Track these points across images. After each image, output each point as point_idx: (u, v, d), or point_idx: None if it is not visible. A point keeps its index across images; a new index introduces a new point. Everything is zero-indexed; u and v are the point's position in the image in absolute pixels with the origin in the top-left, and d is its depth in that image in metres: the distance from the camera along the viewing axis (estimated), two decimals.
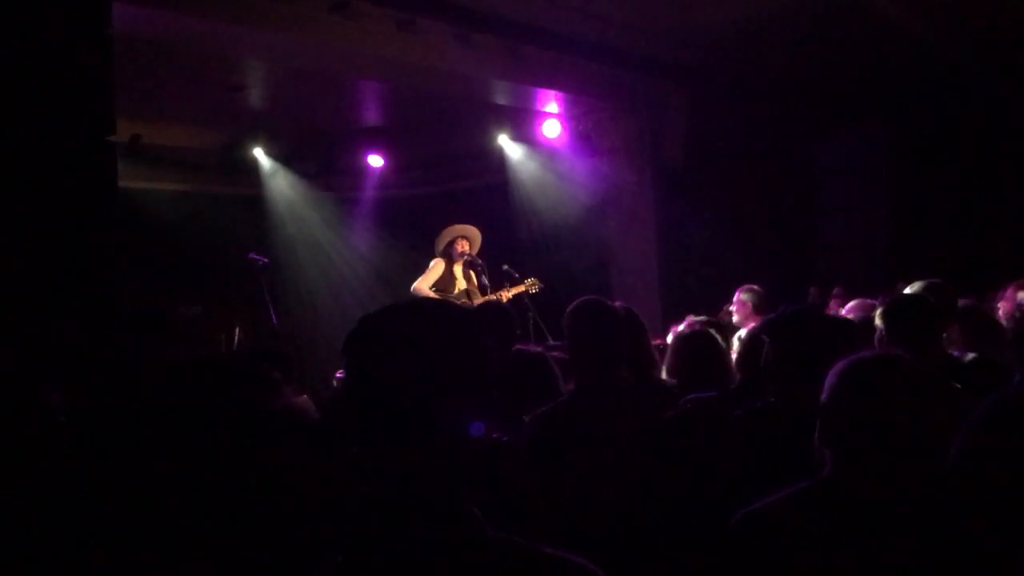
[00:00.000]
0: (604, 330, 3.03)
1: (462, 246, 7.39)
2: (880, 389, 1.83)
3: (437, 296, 7.22)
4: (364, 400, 1.22)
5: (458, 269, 7.45)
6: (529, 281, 7.51)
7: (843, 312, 5.20)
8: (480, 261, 7.39)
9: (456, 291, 7.40)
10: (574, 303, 3.14)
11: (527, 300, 7.20)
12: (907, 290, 4.37)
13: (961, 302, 4.25)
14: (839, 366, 1.92)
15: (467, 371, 1.22)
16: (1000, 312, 5.36)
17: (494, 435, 2.63)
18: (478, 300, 7.26)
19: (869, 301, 5.16)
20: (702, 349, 3.91)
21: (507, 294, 7.34)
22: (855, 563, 1.74)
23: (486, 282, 7.35)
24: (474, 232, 7.49)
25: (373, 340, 1.24)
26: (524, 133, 9.99)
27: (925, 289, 4.22)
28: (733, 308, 6.37)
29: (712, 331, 4.10)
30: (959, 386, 3.23)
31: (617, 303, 3.83)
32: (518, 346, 3.84)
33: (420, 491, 1.19)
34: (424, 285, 7.31)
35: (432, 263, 7.47)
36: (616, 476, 2.75)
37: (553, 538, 1.25)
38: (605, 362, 3.00)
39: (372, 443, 1.21)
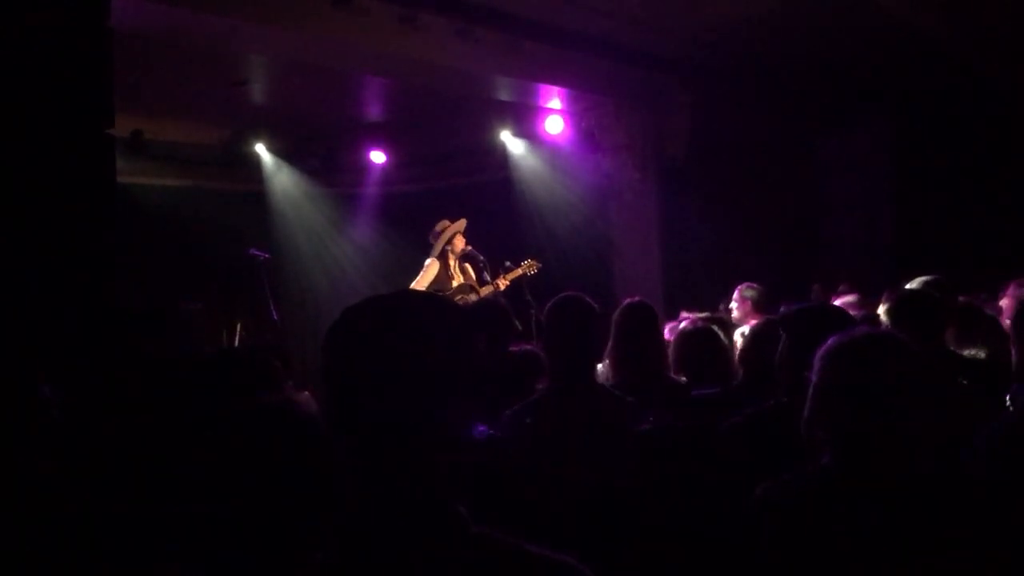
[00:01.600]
0: (581, 329, 2.94)
1: (460, 242, 7.36)
2: (878, 367, 1.79)
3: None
4: (344, 395, 1.19)
5: (453, 265, 7.40)
6: (526, 263, 7.45)
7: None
8: (482, 257, 7.36)
9: (455, 287, 7.37)
10: (554, 299, 3.07)
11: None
12: (906, 286, 4.35)
13: (959, 299, 4.23)
14: (828, 346, 1.87)
15: (454, 365, 1.19)
16: (1004, 310, 5.32)
17: (485, 430, 2.60)
18: (481, 293, 7.23)
19: (857, 297, 5.16)
20: (704, 345, 3.88)
21: (505, 280, 7.30)
22: (864, 551, 1.72)
23: (487, 277, 7.31)
24: (463, 224, 7.45)
25: (354, 332, 1.21)
26: (527, 129, 9.97)
27: (926, 285, 4.20)
28: (733, 305, 6.35)
29: (714, 327, 4.07)
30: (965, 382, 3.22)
31: (637, 298, 3.79)
32: (512, 346, 3.80)
33: (401, 488, 1.16)
34: (419, 288, 7.26)
35: (427, 263, 7.39)
36: (582, 476, 2.71)
37: (534, 536, 1.23)
38: (580, 360, 2.93)
39: (353, 440, 1.18)
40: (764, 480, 1.97)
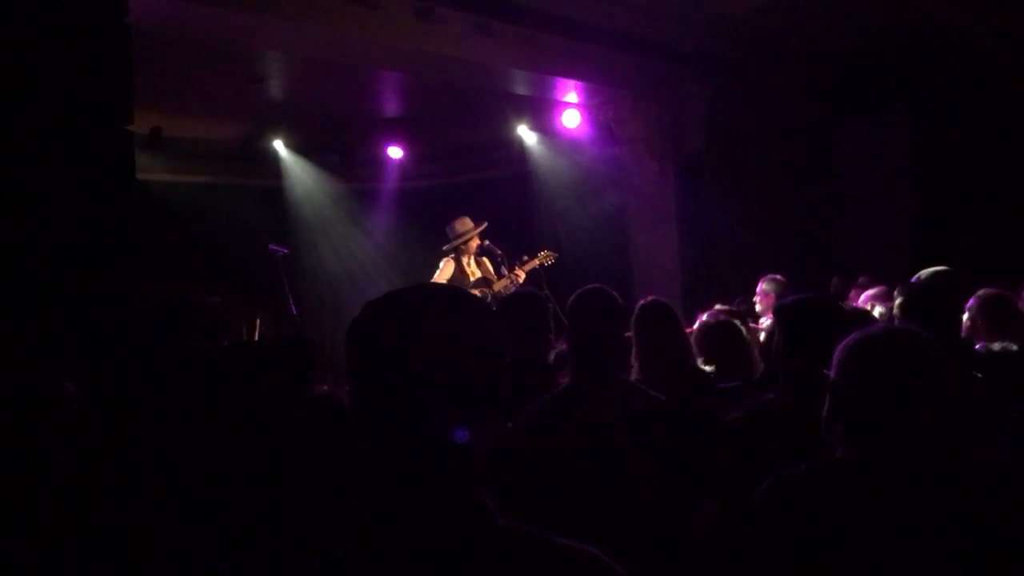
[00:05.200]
0: (605, 321, 2.91)
1: (475, 243, 7.37)
2: (891, 362, 1.81)
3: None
4: (369, 389, 1.19)
5: (469, 262, 7.41)
6: (543, 254, 7.45)
7: (860, 301, 5.14)
8: (499, 251, 7.36)
9: (472, 283, 7.38)
10: (577, 292, 3.04)
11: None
12: (914, 279, 4.31)
13: (985, 290, 4.18)
14: (848, 341, 1.90)
15: (477, 356, 1.19)
16: None
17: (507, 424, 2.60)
18: (497, 286, 7.25)
19: (883, 289, 5.11)
20: (726, 339, 3.87)
21: (521, 272, 7.30)
22: (874, 542, 1.73)
23: (504, 271, 7.32)
24: (481, 225, 7.46)
25: (375, 328, 1.21)
26: (544, 123, 9.95)
27: (935, 276, 4.16)
28: (756, 299, 6.31)
29: (736, 321, 4.06)
30: (979, 375, 3.19)
31: (651, 298, 3.78)
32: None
33: (428, 479, 1.17)
34: None
35: (442, 263, 7.42)
36: (605, 472, 2.70)
37: (556, 530, 1.23)
38: (604, 354, 2.90)
39: (379, 432, 1.18)
40: (764, 472, 1.97)
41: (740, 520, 2.00)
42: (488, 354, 1.20)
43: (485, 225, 7.41)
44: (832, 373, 1.90)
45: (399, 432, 1.17)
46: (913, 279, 4.24)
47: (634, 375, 3.55)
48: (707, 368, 3.81)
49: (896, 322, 3.58)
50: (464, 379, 1.17)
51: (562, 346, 3.91)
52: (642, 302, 3.71)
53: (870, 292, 5.11)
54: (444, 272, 7.36)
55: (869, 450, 1.79)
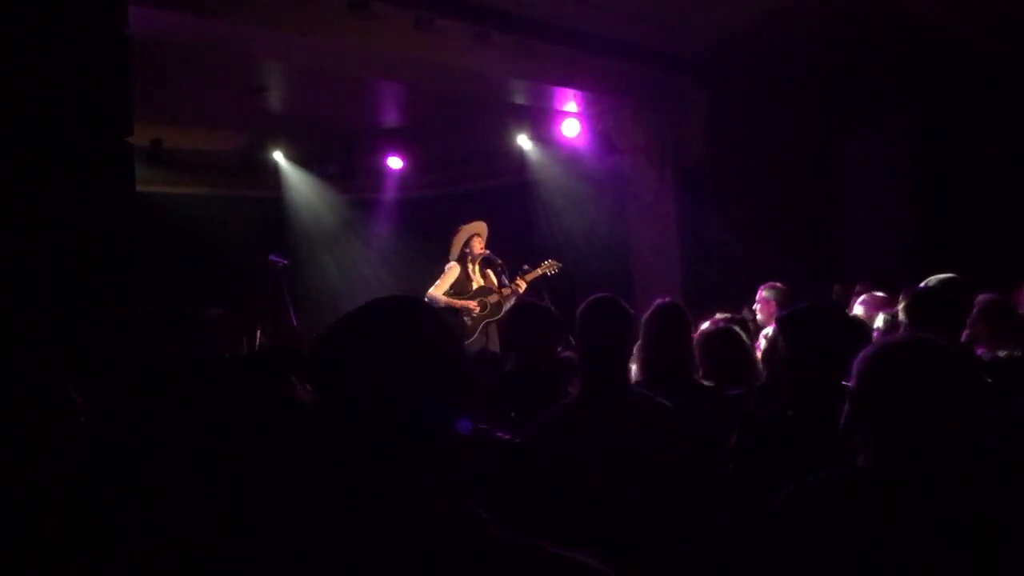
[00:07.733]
0: (615, 330, 2.91)
1: (478, 245, 7.38)
2: (914, 372, 1.82)
3: (451, 299, 7.25)
4: (337, 402, 1.20)
5: (474, 269, 7.43)
6: (547, 263, 7.47)
7: (857, 305, 5.14)
8: (499, 260, 7.37)
9: (475, 290, 7.39)
10: (587, 300, 3.04)
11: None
12: (921, 285, 4.31)
13: (985, 297, 4.18)
14: (868, 351, 1.90)
15: (438, 366, 1.20)
16: None
17: (504, 436, 2.59)
18: (497, 296, 7.26)
19: (879, 295, 5.11)
20: (727, 347, 3.85)
21: (523, 282, 7.31)
22: (898, 552, 1.73)
23: (506, 280, 7.32)
24: (483, 227, 7.51)
25: (331, 352, 1.23)
26: (543, 133, 9.96)
27: (944, 284, 4.17)
28: (756, 307, 6.30)
29: (737, 328, 4.05)
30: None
31: (667, 299, 3.76)
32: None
33: (408, 488, 1.17)
34: (439, 291, 7.31)
35: (447, 267, 7.47)
36: (617, 480, 2.69)
37: (564, 540, 1.22)
38: (614, 362, 2.89)
39: (352, 446, 1.19)
40: (773, 479, 1.97)
41: (755, 527, 2.00)
42: (442, 356, 1.21)
43: (483, 224, 7.43)
44: (853, 383, 1.90)
45: (370, 444, 1.17)
46: (921, 285, 4.24)
47: (633, 377, 3.54)
48: (706, 383, 3.79)
49: (902, 328, 3.58)
50: (430, 389, 1.18)
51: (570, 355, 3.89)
52: (659, 302, 3.67)
53: (862, 298, 5.12)
54: (448, 276, 7.42)
55: (893, 458, 1.81)
